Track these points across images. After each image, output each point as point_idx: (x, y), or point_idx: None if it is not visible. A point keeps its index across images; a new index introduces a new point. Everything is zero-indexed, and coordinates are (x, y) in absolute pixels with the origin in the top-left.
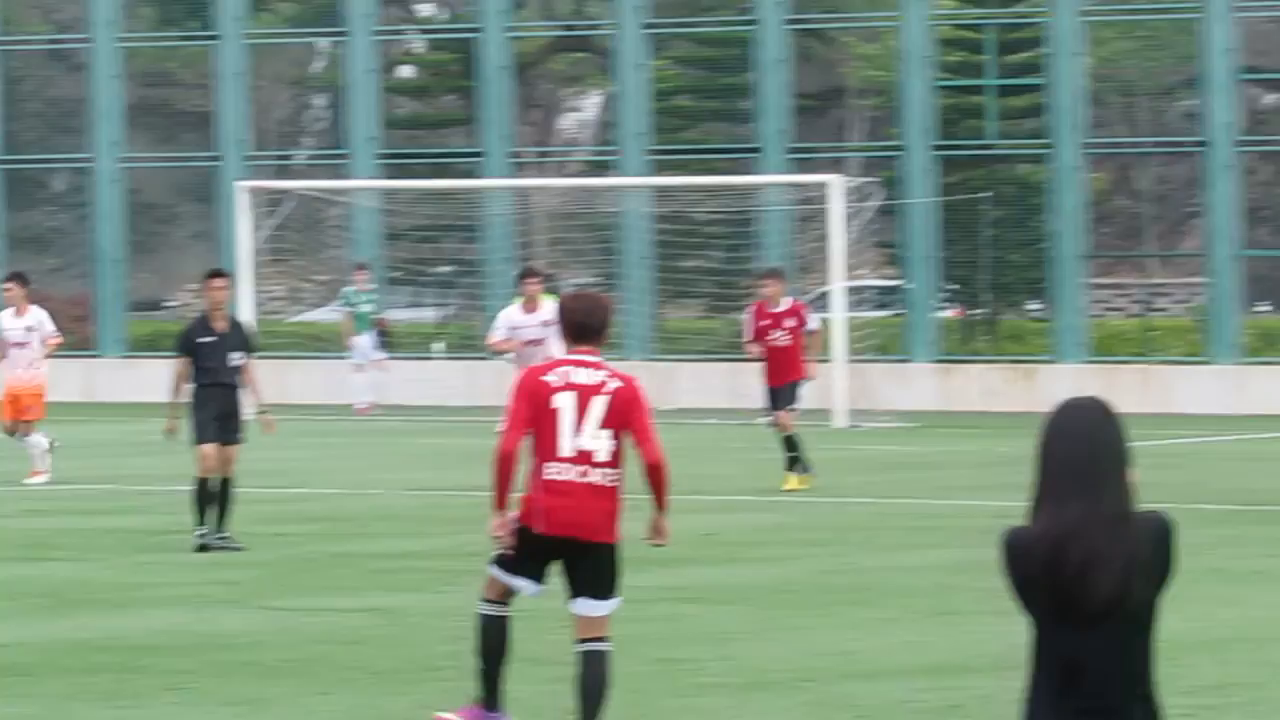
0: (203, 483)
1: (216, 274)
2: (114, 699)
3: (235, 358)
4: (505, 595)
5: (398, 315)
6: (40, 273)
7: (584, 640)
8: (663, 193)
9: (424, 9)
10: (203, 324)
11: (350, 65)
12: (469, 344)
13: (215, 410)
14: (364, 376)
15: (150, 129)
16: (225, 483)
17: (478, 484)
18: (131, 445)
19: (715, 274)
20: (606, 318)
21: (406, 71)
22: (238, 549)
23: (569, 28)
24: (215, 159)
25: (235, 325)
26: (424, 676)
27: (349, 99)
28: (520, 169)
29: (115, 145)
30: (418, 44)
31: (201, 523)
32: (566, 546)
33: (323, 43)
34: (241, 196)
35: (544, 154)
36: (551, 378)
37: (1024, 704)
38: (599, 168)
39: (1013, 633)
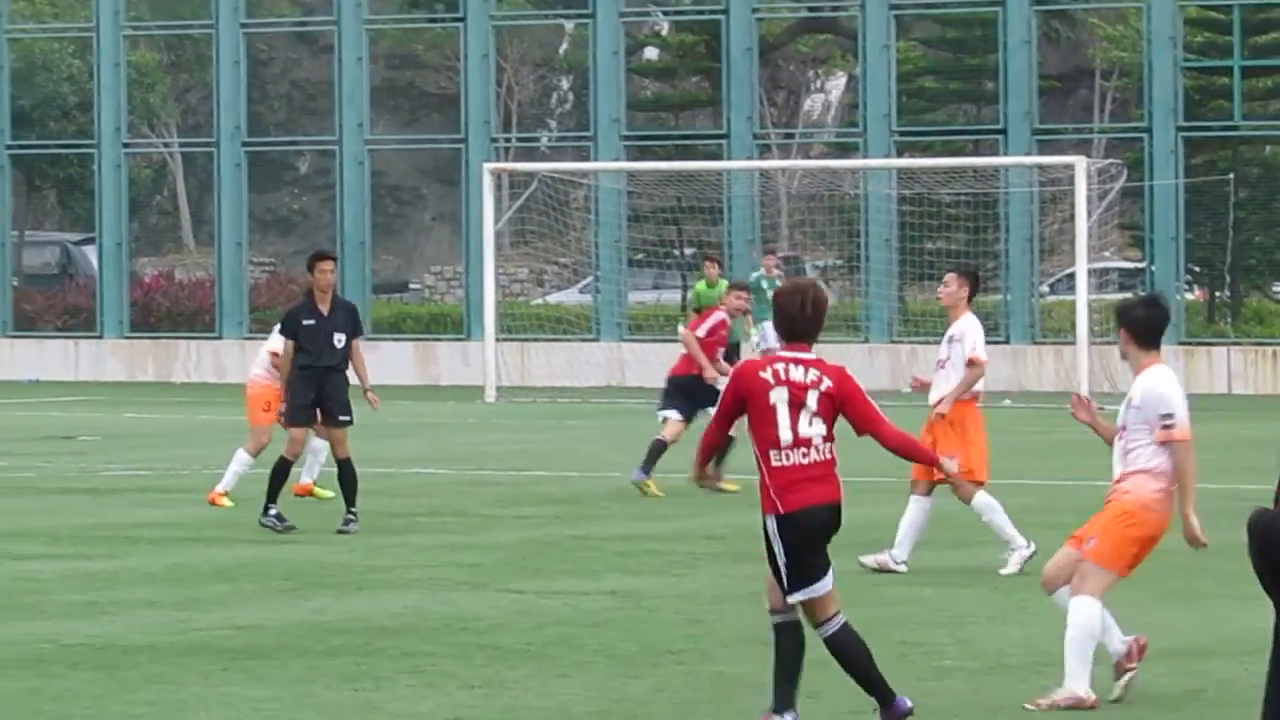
0: (287, 464)
1: (324, 256)
2: (353, 681)
3: (339, 339)
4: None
5: (640, 297)
6: (284, 255)
7: (832, 617)
8: (906, 174)
9: None
10: (307, 306)
11: (596, 47)
12: None
13: (315, 393)
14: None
15: (395, 111)
16: (345, 463)
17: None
18: (371, 428)
19: (958, 256)
20: (820, 315)
21: (652, 53)
22: (288, 528)
23: (814, 9)
24: (460, 141)
25: (341, 307)
26: (663, 660)
27: (594, 81)
28: (764, 151)
29: (360, 127)
30: (663, 25)
31: (274, 501)
32: (822, 518)
33: (568, 24)
34: (486, 179)
35: (788, 135)
36: (766, 374)
37: (1266, 689)
38: (843, 149)
39: (1256, 616)
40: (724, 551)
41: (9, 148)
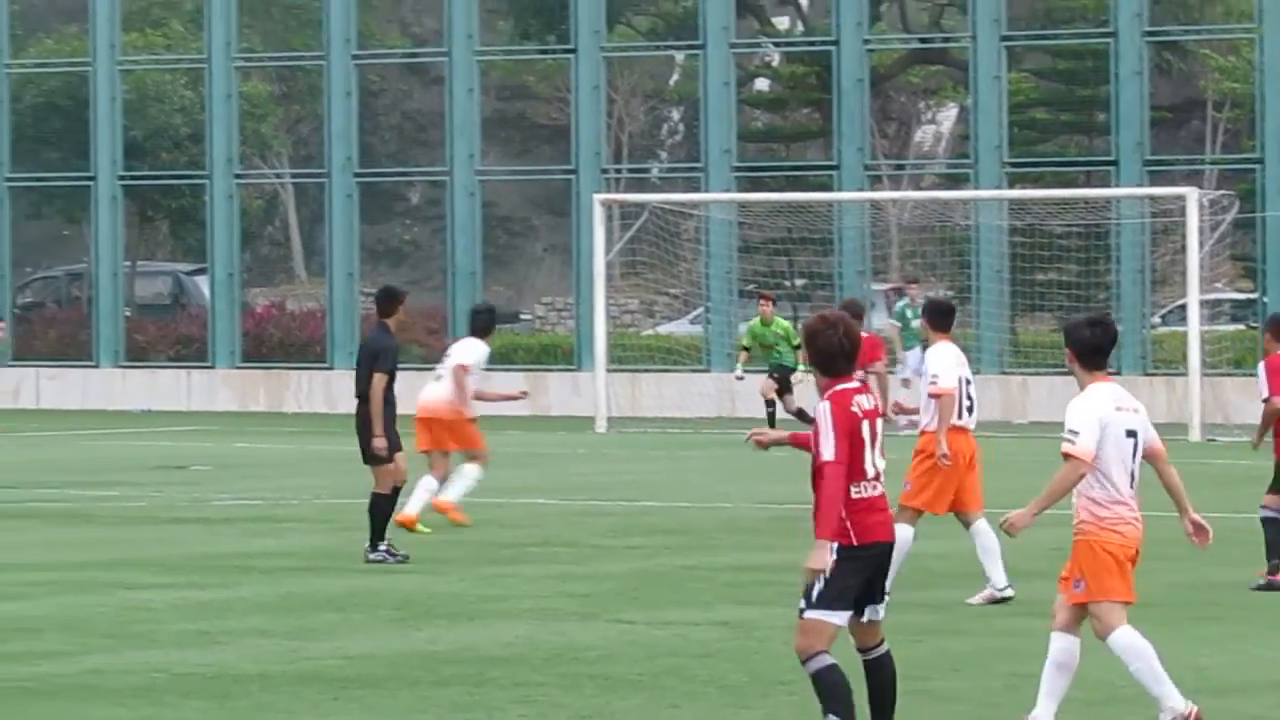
0: (396, 493)
1: (403, 294)
2: (464, 711)
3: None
4: (831, 640)
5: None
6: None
7: (876, 645)
8: (1017, 205)
9: (780, 21)
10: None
11: (707, 78)
12: None
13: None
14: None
15: (506, 142)
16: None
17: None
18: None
19: (1069, 287)
20: (857, 345)
21: (762, 84)
22: (402, 559)
23: (925, 40)
24: (570, 172)
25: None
26: (774, 691)
27: (705, 112)
28: (875, 182)
29: (471, 158)
30: (774, 57)
31: (382, 537)
32: (883, 555)
33: (679, 56)
34: (597, 210)
35: (899, 166)
36: (855, 408)
37: None
38: (954, 180)
39: None
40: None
41: (121, 178)
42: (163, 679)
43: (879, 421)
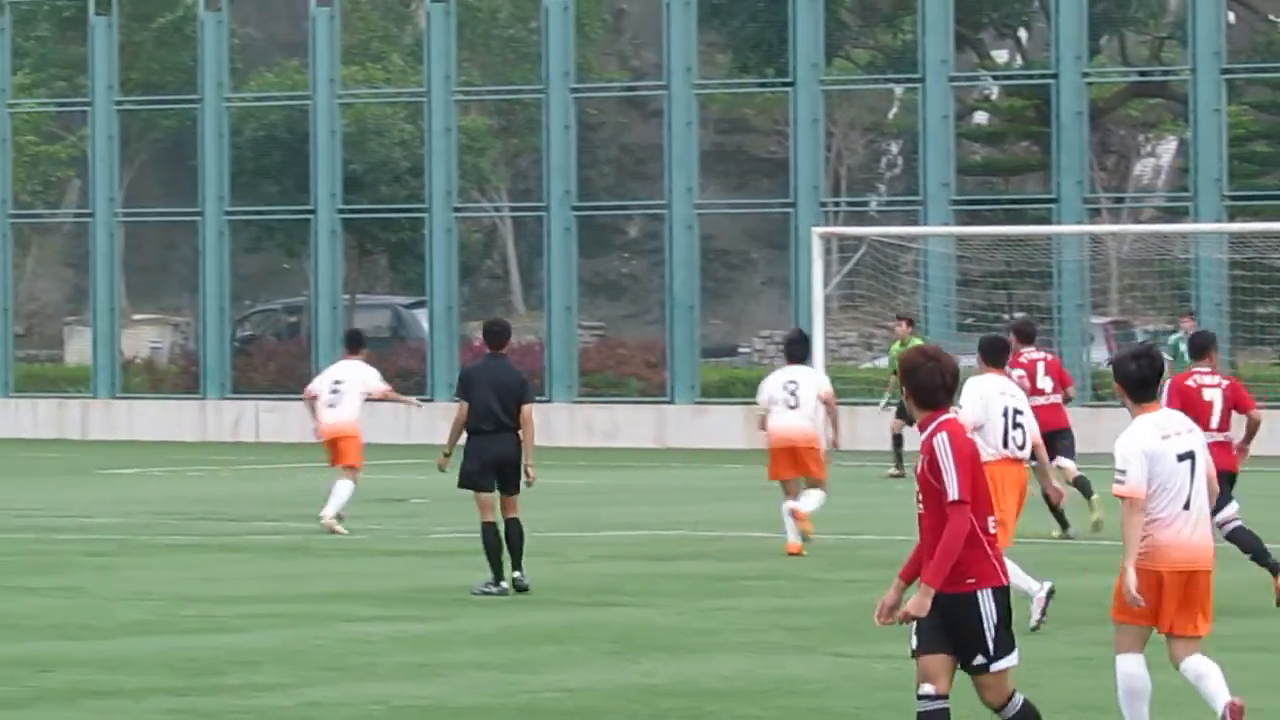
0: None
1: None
2: None
3: None
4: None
5: (970, 361)
6: (613, 318)
7: (1014, 694)
8: (1238, 239)
9: (1000, 55)
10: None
11: (925, 111)
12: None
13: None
14: None
15: (724, 175)
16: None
17: (1047, 530)
18: (701, 491)
19: None
20: (956, 381)
21: (981, 118)
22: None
23: (1145, 73)
24: (789, 205)
25: None
26: None
27: (923, 145)
28: (1094, 215)
29: (689, 192)
30: (993, 90)
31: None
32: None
33: (898, 89)
34: (815, 243)
35: (1118, 200)
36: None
37: None
38: (1173, 213)
39: None
40: (1057, 616)
41: (341, 212)
42: (381, 711)
43: None
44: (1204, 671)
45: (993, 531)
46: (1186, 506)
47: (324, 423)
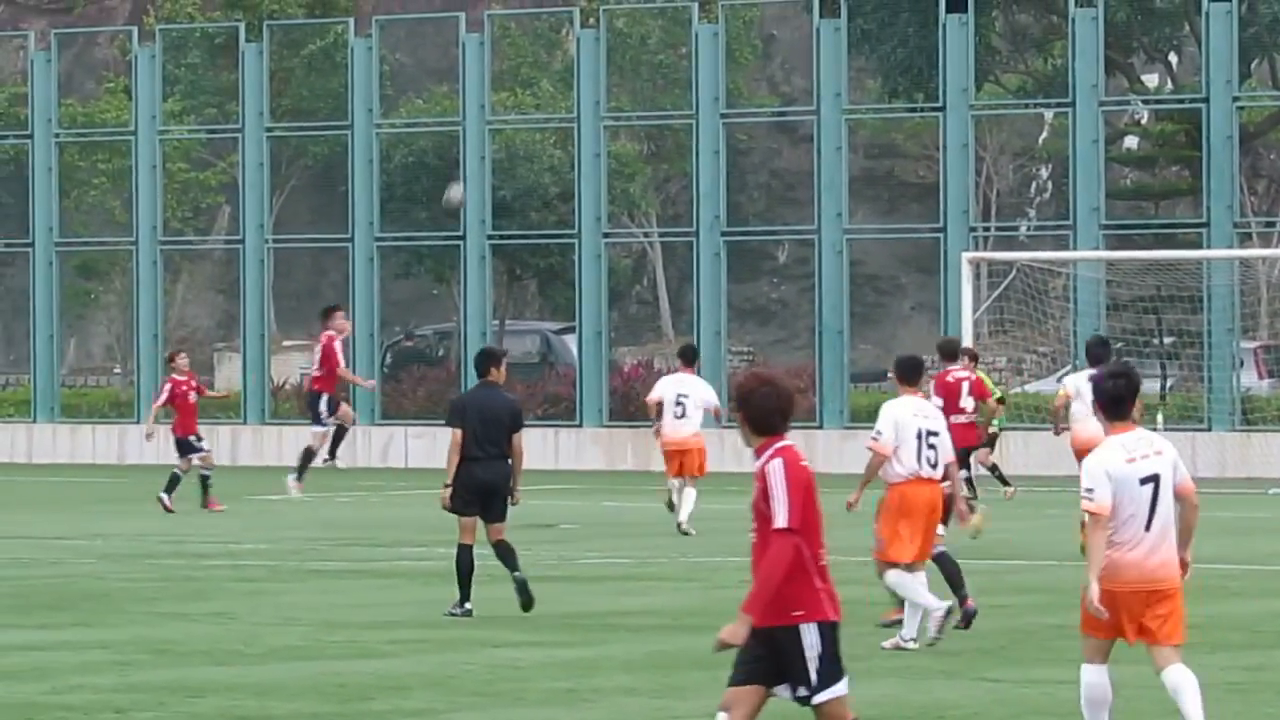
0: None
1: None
2: None
3: None
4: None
5: None
6: (762, 344)
7: None
8: None
9: (1150, 79)
10: None
11: (1075, 136)
12: (1190, 415)
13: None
14: None
15: (873, 200)
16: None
17: (1196, 556)
18: (848, 517)
19: None
20: (792, 402)
21: (1131, 142)
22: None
23: None
24: (939, 230)
25: None
26: None
27: (1073, 169)
28: (1245, 239)
29: (839, 217)
30: (1143, 114)
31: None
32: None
33: (1048, 114)
34: (965, 268)
35: (1269, 224)
36: (805, 462)
37: None
38: None
39: None
40: (1202, 641)
41: (490, 237)
42: None
43: None
44: (1179, 684)
45: (823, 563)
46: (1147, 529)
47: (674, 435)
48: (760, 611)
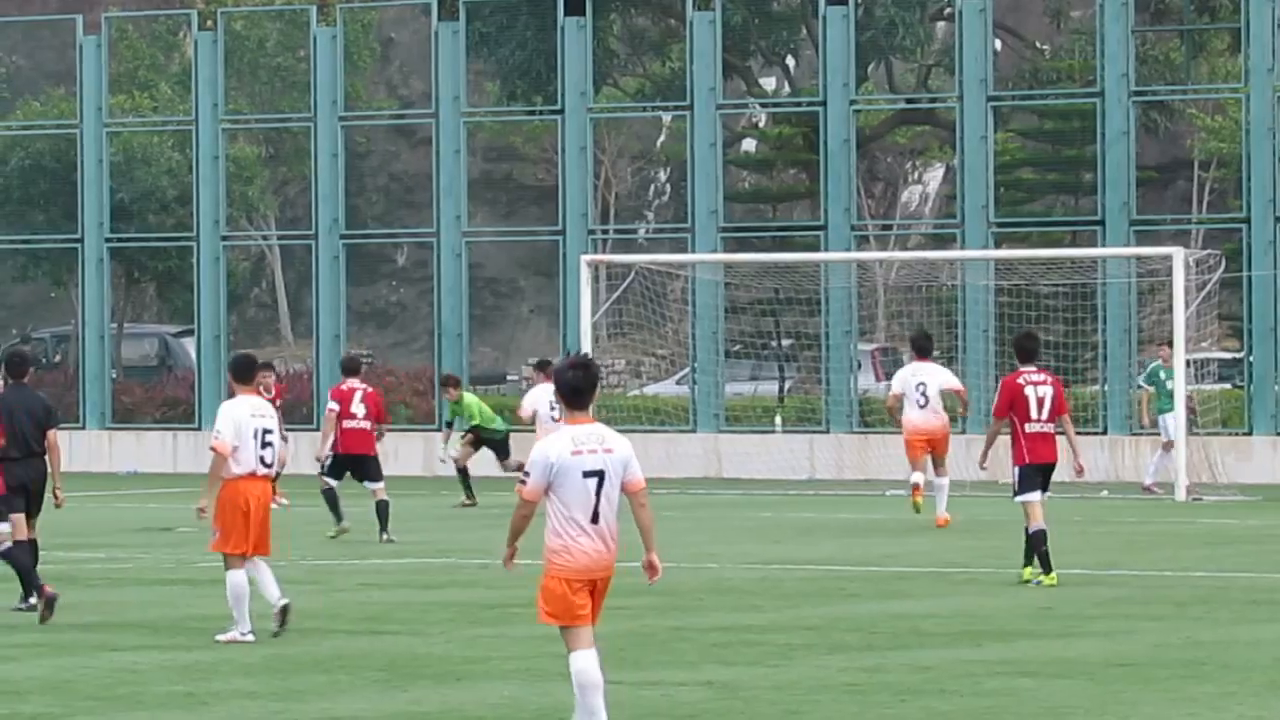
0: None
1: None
2: None
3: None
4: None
5: (738, 389)
6: (381, 347)
7: None
8: (1004, 265)
9: (767, 83)
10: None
11: (694, 139)
12: (808, 417)
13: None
14: (1163, 455)
15: (493, 203)
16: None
17: (813, 558)
18: (468, 518)
19: (1056, 347)
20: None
21: (749, 145)
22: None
23: (912, 101)
24: (557, 233)
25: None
26: None
27: (691, 172)
28: (862, 242)
29: (458, 220)
30: (761, 118)
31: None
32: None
33: (666, 117)
34: (584, 270)
35: (886, 227)
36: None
37: None
38: (940, 240)
39: None
40: (819, 642)
41: (108, 240)
42: None
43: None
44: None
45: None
46: (594, 521)
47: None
48: None
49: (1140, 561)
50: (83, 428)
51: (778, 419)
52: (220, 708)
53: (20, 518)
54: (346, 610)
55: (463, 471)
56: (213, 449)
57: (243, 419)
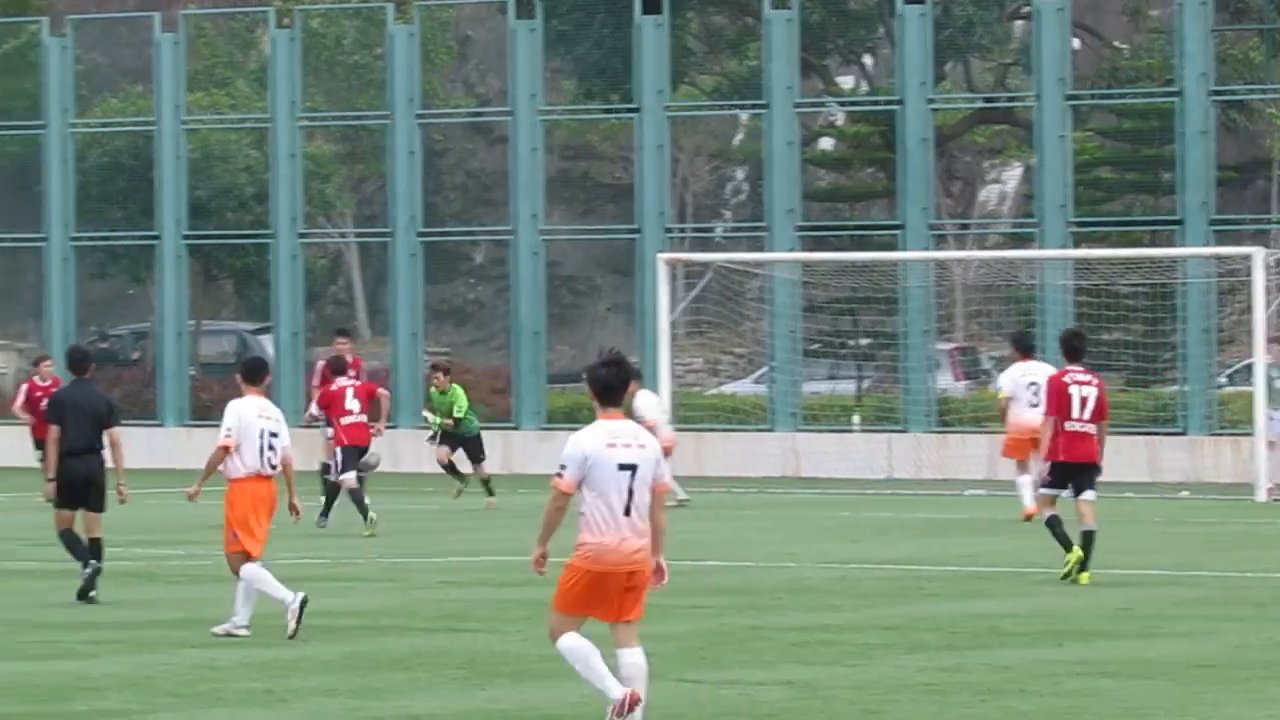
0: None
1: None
2: None
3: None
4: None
5: (815, 387)
6: (459, 345)
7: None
8: (1083, 265)
9: (845, 81)
10: None
11: (771, 137)
12: (886, 416)
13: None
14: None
15: (570, 202)
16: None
17: (891, 557)
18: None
19: (1135, 347)
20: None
21: (827, 144)
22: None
23: (990, 100)
24: (635, 231)
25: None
26: None
27: (769, 171)
28: (940, 241)
29: (535, 218)
30: (839, 116)
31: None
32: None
33: (743, 115)
34: (661, 269)
35: (964, 226)
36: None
37: None
38: (1019, 240)
39: None
40: (898, 642)
41: (186, 238)
42: None
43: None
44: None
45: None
46: (626, 514)
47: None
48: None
49: (1220, 562)
50: (161, 425)
51: (855, 418)
52: (299, 705)
53: (70, 514)
54: (424, 608)
55: (447, 466)
56: (220, 447)
57: (249, 418)
